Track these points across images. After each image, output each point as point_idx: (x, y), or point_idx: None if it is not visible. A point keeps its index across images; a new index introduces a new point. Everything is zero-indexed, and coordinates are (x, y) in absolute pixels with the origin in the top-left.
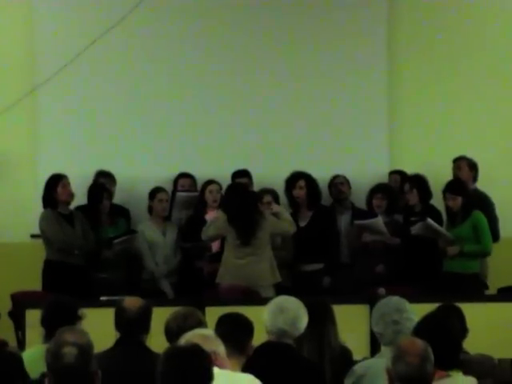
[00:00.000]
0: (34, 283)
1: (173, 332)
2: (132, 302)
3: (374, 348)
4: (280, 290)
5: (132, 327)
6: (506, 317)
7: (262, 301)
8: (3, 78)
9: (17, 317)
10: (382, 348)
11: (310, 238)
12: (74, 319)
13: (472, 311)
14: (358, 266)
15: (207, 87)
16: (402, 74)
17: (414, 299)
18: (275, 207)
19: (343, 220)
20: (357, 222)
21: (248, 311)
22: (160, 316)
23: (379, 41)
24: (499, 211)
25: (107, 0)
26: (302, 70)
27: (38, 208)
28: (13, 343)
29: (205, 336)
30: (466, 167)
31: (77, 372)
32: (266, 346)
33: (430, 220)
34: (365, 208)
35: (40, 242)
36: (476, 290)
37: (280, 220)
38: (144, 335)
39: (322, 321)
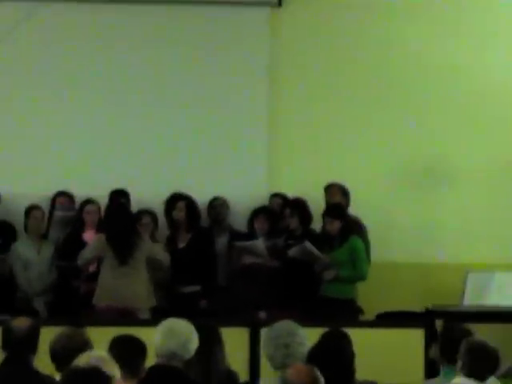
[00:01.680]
0: None
1: (58, 353)
2: (20, 322)
3: (253, 372)
4: (157, 311)
5: (20, 347)
6: (385, 342)
7: (140, 322)
8: None
9: None
10: (274, 373)
11: (188, 260)
12: None
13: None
14: (236, 288)
15: (88, 104)
16: (282, 97)
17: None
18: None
19: (221, 242)
20: (237, 243)
21: (125, 332)
22: None
23: (261, 65)
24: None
25: None
26: (187, 92)
27: None
28: None
29: (101, 358)
30: (338, 193)
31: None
32: (156, 368)
33: (307, 243)
34: (244, 230)
35: None
36: (352, 314)
37: (159, 248)
38: (32, 355)
39: (209, 344)
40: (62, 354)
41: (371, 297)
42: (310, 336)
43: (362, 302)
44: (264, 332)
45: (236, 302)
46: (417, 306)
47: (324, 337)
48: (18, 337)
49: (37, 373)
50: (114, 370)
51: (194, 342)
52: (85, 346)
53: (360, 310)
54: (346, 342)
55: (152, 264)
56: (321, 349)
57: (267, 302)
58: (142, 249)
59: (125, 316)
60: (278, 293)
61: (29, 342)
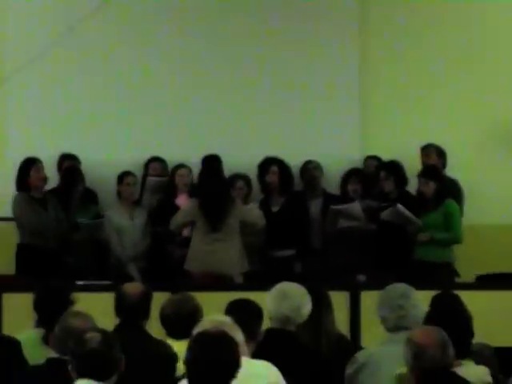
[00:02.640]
0: (5, 267)
1: (169, 318)
2: (132, 288)
3: (354, 336)
4: (250, 275)
5: (132, 313)
6: (487, 304)
7: (235, 286)
8: None
9: None
10: (387, 335)
11: (282, 224)
12: (66, 304)
13: None
14: (332, 252)
15: (179, 71)
16: (374, 59)
17: None
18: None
19: (315, 206)
20: (333, 207)
21: (221, 296)
22: None
23: (352, 27)
24: (466, 198)
25: None
26: (276, 57)
27: (6, 192)
28: None
29: (226, 323)
30: (434, 155)
31: (101, 357)
32: (271, 333)
33: (399, 206)
34: (337, 193)
35: (7, 224)
36: (448, 278)
37: (252, 210)
38: (144, 321)
39: (319, 308)
40: (174, 320)
41: (465, 260)
42: None
43: (456, 265)
44: (379, 294)
45: (331, 266)
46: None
47: (437, 299)
48: (130, 302)
49: (150, 338)
50: (238, 334)
51: (307, 306)
52: (195, 311)
53: (456, 274)
54: (459, 303)
55: (245, 228)
56: (437, 311)
57: (363, 265)
58: (234, 214)
59: (219, 281)
60: (373, 256)
61: (141, 307)
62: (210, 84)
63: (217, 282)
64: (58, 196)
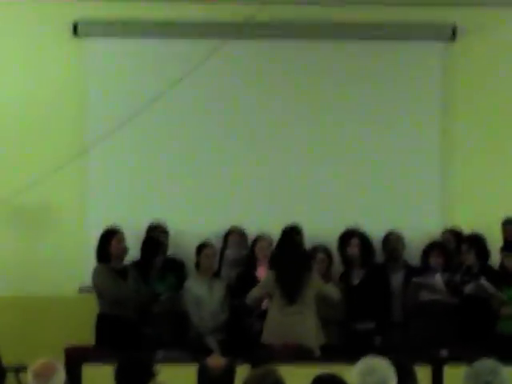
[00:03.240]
0: (84, 338)
1: None
2: (215, 362)
3: None
4: (328, 348)
5: None
6: None
7: (314, 360)
8: (55, 137)
9: (71, 372)
10: None
11: (363, 296)
12: (149, 376)
13: None
14: (413, 325)
15: (258, 140)
16: (455, 130)
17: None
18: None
19: (396, 278)
20: (416, 279)
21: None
22: None
23: (433, 99)
24: None
25: (160, 63)
26: (358, 129)
27: (85, 262)
28: None
29: None
30: None
31: None
32: None
33: (483, 280)
34: (418, 266)
35: (88, 295)
36: None
37: (329, 284)
38: None
39: (404, 382)
40: None
41: None
42: None
43: None
44: (465, 369)
45: (412, 339)
46: None
47: None
48: (213, 376)
49: None
50: None
51: (392, 381)
52: None
53: None
54: None
55: (322, 301)
56: None
57: (445, 339)
58: (310, 286)
59: (299, 353)
60: (455, 330)
61: (225, 381)
62: (291, 154)
63: (297, 354)
64: (138, 267)
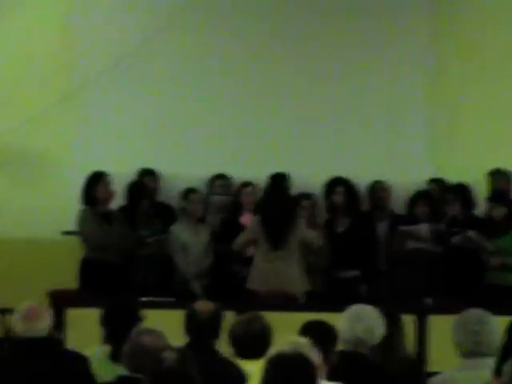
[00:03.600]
0: (69, 281)
1: (238, 337)
2: (204, 306)
3: (420, 359)
4: (313, 295)
5: (203, 331)
6: None
7: (300, 307)
8: (45, 79)
9: (56, 316)
10: (462, 361)
11: (348, 245)
12: (135, 320)
13: None
14: (398, 274)
15: (250, 88)
16: (443, 80)
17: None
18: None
19: (382, 227)
20: (402, 227)
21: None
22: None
23: (421, 39)
24: None
25: (147, 7)
26: (346, 77)
27: (70, 206)
28: None
29: (302, 344)
30: (502, 179)
31: (179, 376)
32: (343, 355)
33: (471, 232)
34: (404, 215)
35: (72, 238)
36: None
37: (312, 230)
38: (215, 340)
39: (391, 331)
40: (243, 339)
41: None
42: None
43: None
44: (454, 318)
45: (397, 288)
46: None
47: None
48: (201, 321)
49: (221, 357)
50: (315, 356)
51: (380, 328)
52: (264, 330)
53: None
54: None
55: (305, 248)
56: None
57: (430, 288)
58: (295, 233)
59: (284, 300)
60: (440, 279)
61: (212, 326)
62: (279, 101)
63: (281, 300)
64: (125, 211)
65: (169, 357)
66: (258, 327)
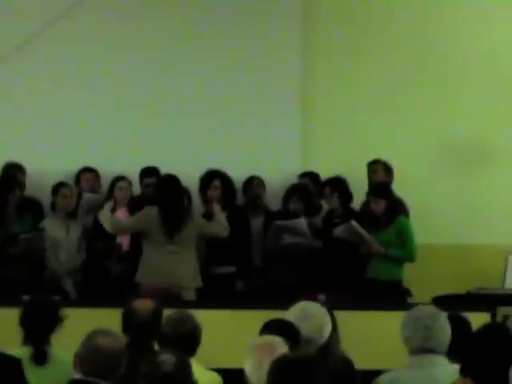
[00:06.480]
0: None
1: (167, 336)
2: (143, 305)
3: None
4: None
5: (143, 331)
6: None
7: (185, 303)
8: None
9: None
10: (411, 357)
11: (223, 240)
12: (55, 321)
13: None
14: (274, 269)
15: (120, 78)
16: (316, 74)
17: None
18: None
19: (257, 222)
20: (278, 222)
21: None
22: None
23: (295, 42)
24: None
25: None
26: (217, 71)
27: None
28: None
29: (278, 343)
30: (381, 171)
31: (177, 381)
32: None
33: (354, 222)
34: (278, 210)
35: None
36: (399, 297)
37: (213, 222)
38: (154, 340)
39: None
40: (172, 337)
41: (413, 279)
42: (359, 319)
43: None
44: (404, 315)
45: (274, 283)
46: (456, 289)
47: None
48: (140, 320)
49: None
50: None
51: (328, 326)
52: (194, 329)
53: (408, 292)
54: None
55: (204, 239)
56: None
57: (307, 284)
58: (191, 227)
59: (169, 297)
60: (319, 274)
61: (152, 325)
62: (151, 95)
63: (167, 297)
64: None
65: (167, 361)
66: (189, 326)
